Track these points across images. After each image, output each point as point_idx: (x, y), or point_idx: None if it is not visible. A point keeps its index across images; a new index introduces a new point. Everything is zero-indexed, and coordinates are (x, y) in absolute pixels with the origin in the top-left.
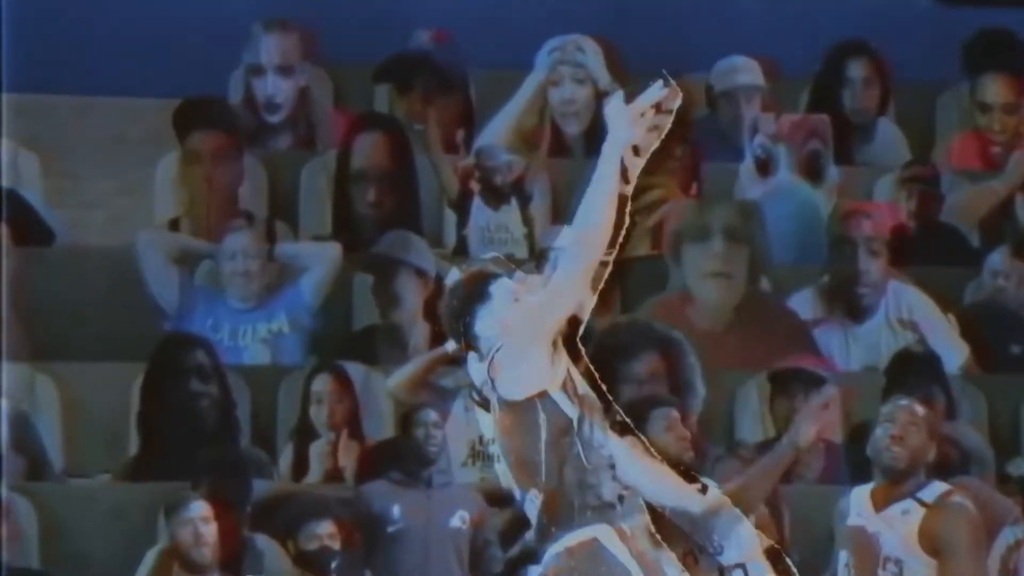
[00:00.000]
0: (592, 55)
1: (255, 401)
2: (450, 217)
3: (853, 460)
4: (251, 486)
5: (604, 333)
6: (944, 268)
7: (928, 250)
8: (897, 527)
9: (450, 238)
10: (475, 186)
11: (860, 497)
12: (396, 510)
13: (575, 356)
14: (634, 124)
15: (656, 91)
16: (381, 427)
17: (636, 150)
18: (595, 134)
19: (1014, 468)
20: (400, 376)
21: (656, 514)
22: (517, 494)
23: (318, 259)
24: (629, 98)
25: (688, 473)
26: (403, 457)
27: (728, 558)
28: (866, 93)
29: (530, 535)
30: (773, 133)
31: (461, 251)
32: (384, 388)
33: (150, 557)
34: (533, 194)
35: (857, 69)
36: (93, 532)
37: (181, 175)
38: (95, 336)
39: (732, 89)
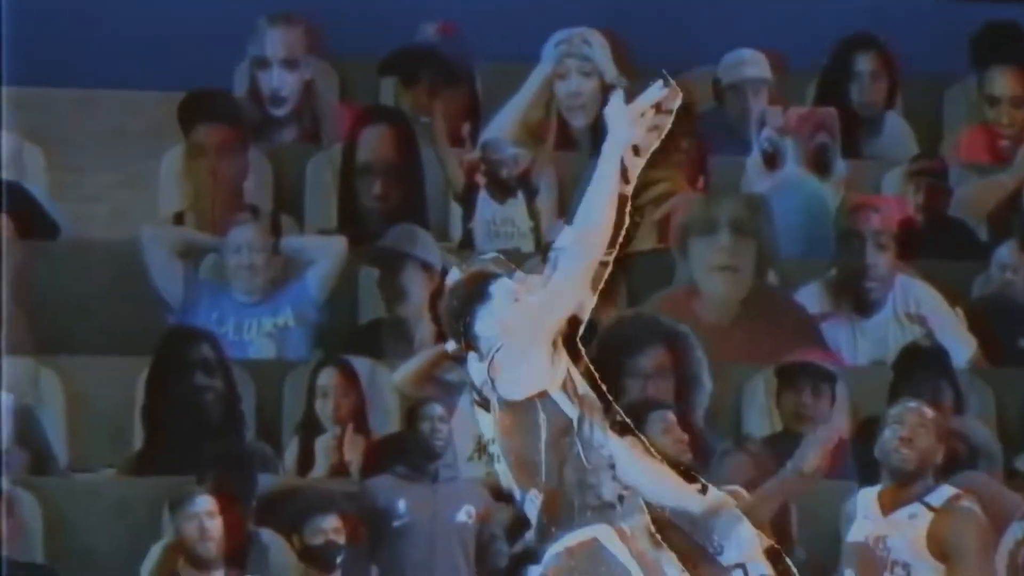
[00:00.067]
0: (599, 48)
1: (260, 395)
2: (456, 210)
3: (861, 459)
4: (256, 480)
5: (610, 327)
6: (952, 262)
7: (936, 244)
8: (905, 531)
9: (456, 231)
10: (481, 179)
11: (867, 499)
12: (402, 504)
13: (575, 356)
14: (634, 124)
15: (656, 91)
16: (387, 421)
17: (636, 150)
18: (601, 128)
19: (1022, 463)
20: (406, 370)
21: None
22: (517, 494)
23: (323, 253)
24: (629, 98)
25: (688, 473)
26: (409, 451)
27: (728, 558)
28: (874, 86)
29: (530, 535)
30: (780, 126)
31: (467, 244)
32: (390, 382)
33: (155, 552)
34: (539, 187)
35: (865, 62)
36: (97, 527)
37: (186, 168)
38: (99, 330)
39: (739, 82)
